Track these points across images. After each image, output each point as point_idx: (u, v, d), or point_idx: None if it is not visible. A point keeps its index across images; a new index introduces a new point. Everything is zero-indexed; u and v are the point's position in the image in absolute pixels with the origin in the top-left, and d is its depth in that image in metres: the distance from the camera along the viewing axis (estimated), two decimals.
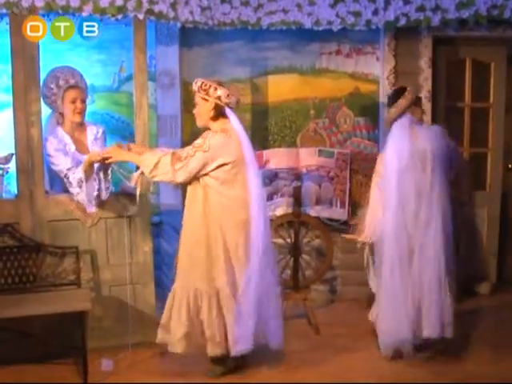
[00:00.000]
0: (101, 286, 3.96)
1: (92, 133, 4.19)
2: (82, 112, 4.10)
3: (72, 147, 4.06)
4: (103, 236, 3.95)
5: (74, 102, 4.05)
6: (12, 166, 3.94)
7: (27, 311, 3.48)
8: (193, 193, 3.49)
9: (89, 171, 3.78)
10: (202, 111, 3.50)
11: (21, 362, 3.65)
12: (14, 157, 3.85)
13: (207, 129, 3.55)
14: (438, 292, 3.70)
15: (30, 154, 3.78)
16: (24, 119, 3.76)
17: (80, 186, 3.85)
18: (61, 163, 3.97)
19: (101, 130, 4.23)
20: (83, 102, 4.10)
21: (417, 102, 3.95)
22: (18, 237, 3.78)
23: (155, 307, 4.07)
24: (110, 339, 3.89)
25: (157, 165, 3.40)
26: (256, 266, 3.44)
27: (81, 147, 4.12)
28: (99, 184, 3.84)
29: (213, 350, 3.48)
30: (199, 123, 3.57)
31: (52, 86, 4.09)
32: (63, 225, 3.87)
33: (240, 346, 3.44)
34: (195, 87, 3.50)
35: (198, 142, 3.47)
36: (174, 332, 3.48)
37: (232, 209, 3.45)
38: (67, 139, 4.07)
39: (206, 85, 3.46)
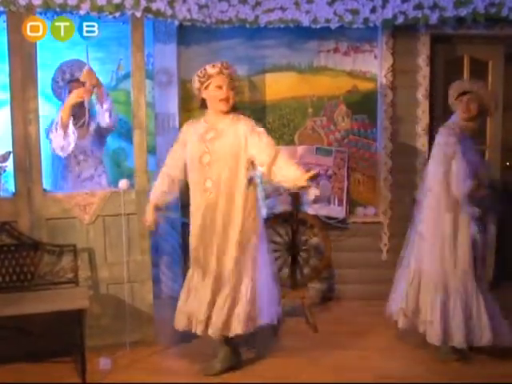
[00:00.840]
0: (99, 284, 3.95)
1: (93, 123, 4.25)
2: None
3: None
4: (101, 234, 3.94)
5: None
6: (9, 165, 3.93)
7: (25, 309, 3.48)
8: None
9: (66, 117, 3.92)
10: (233, 98, 3.50)
11: (19, 361, 3.65)
12: (11, 155, 3.85)
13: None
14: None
15: (27, 152, 3.78)
16: (22, 117, 3.75)
17: (56, 130, 3.96)
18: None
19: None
20: None
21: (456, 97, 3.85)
22: (16, 235, 3.77)
23: (153, 305, 4.08)
24: (107, 337, 3.89)
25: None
26: (260, 254, 3.56)
27: (80, 134, 4.18)
28: (73, 133, 3.97)
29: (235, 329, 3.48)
30: (228, 107, 3.49)
31: (58, 79, 4.22)
32: (61, 223, 3.86)
33: (263, 319, 3.54)
34: (233, 72, 3.51)
35: (259, 128, 3.52)
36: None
37: None
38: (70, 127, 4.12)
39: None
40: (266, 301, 3.55)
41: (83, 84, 4.09)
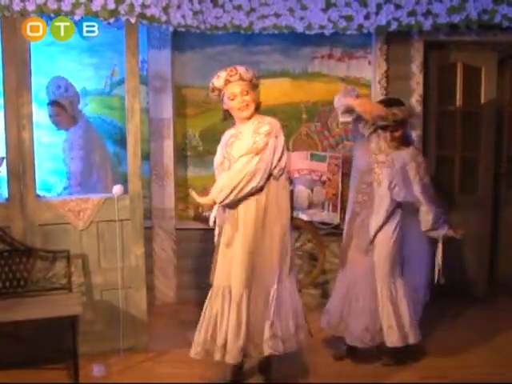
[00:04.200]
0: (92, 290, 3.93)
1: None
2: (58, 124, 4.55)
3: None
4: (95, 240, 3.93)
5: (50, 116, 4.50)
6: (3, 170, 3.91)
7: (18, 316, 3.46)
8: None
9: None
10: (254, 100, 3.28)
11: (11, 367, 3.62)
12: (4, 161, 3.83)
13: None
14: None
15: (21, 157, 3.76)
16: (15, 123, 3.74)
17: None
18: None
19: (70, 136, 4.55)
20: (57, 115, 4.50)
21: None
22: (9, 241, 3.75)
23: (147, 312, 4.06)
24: (101, 344, 3.87)
25: None
26: None
27: None
28: None
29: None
30: (249, 113, 3.27)
31: (48, 94, 4.49)
32: (54, 229, 3.84)
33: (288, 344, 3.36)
34: (248, 75, 3.27)
35: (262, 137, 3.25)
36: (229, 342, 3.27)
37: None
38: None
39: (256, 74, 3.36)
40: None
41: (62, 107, 4.44)
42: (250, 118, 3.30)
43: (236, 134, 3.33)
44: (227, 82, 3.25)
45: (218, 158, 3.39)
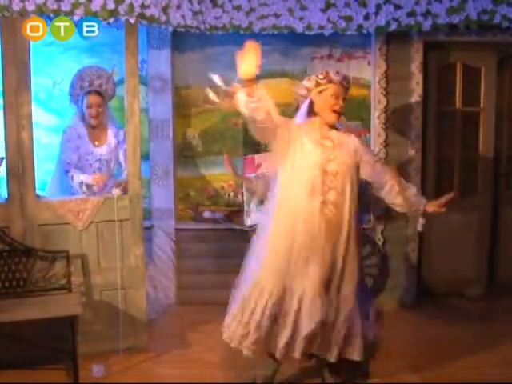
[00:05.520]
0: (92, 290, 3.93)
1: (113, 134, 4.31)
2: (98, 116, 4.22)
3: (85, 136, 4.25)
4: (94, 240, 3.92)
5: (90, 107, 4.19)
6: (2, 170, 3.92)
7: (17, 316, 3.45)
8: None
9: None
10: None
11: (10, 367, 3.62)
12: (4, 161, 3.83)
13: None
14: None
15: (20, 157, 3.76)
16: (15, 123, 3.74)
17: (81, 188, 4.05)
18: (67, 156, 4.22)
19: (122, 133, 4.27)
20: (99, 106, 4.20)
21: None
22: (8, 241, 3.75)
23: (146, 311, 4.06)
24: (100, 344, 3.87)
25: None
26: None
27: (98, 141, 4.29)
28: None
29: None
30: (337, 120, 3.28)
31: (76, 86, 4.21)
32: (54, 229, 3.84)
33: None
34: (349, 89, 3.32)
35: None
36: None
37: None
38: (83, 130, 4.25)
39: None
40: None
41: (98, 95, 4.18)
42: (332, 126, 3.28)
43: (329, 137, 3.25)
44: (341, 82, 3.23)
45: (316, 156, 3.20)
